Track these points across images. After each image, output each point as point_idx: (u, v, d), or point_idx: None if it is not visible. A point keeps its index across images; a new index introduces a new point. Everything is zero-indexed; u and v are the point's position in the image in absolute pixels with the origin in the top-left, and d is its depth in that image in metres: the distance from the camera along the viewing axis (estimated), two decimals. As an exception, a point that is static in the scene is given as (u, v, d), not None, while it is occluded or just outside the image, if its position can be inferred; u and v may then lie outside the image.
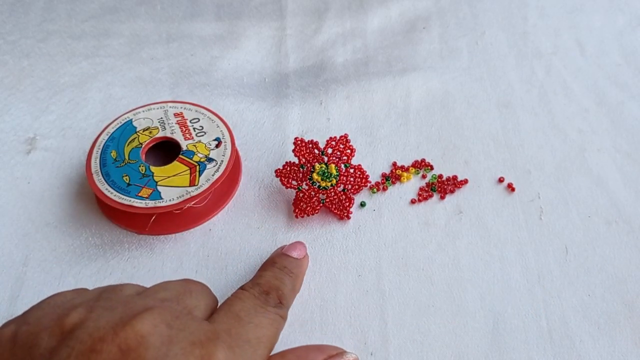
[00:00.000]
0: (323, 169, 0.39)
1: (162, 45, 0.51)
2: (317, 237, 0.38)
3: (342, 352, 0.28)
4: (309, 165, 0.40)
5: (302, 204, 0.38)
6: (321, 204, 0.39)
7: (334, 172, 0.39)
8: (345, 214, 0.39)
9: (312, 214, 0.38)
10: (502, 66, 0.49)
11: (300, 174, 0.40)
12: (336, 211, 0.39)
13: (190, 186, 0.37)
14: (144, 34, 0.52)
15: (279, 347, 0.28)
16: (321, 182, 0.39)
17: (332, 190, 0.39)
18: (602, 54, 0.50)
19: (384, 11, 0.53)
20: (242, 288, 0.29)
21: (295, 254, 0.34)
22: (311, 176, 0.39)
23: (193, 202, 0.37)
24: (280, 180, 0.40)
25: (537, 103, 0.46)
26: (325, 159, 0.40)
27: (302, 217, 0.38)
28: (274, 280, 0.30)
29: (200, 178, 0.38)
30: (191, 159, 0.39)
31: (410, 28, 0.52)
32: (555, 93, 0.47)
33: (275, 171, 0.40)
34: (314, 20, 0.53)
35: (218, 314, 0.25)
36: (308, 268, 0.37)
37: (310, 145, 0.40)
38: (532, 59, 0.49)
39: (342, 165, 0.40)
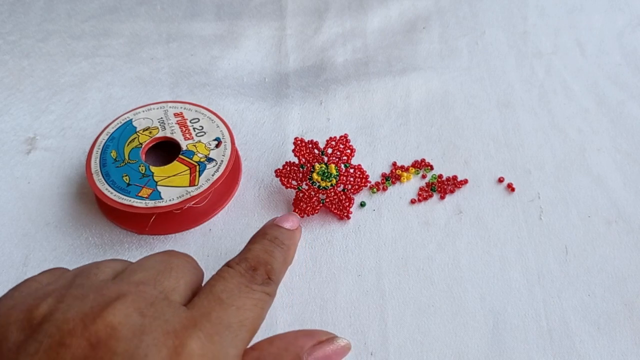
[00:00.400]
0: (323, 169, 0.39)
1: (162, 45, 0.51)
2: (317, 237, 0.38)
3: (332, 338, 0.26)
4: (309, 165, 0.40)
5: (302, 204, 0.38)
6: (321, 204, 0.39)
7: (334, 172, 0.39)
8: (345, 214, 0.39)
9: (312, 214, 0.38)
10: (502, 66, 0.49)
11: (300, 174, 0.40)
12: (336, 211, 0.39)
13: (190, 186, 0.37)
14: (144, 34, 0.52)
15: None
16: (321, 182, 0.39)
17: (332, 190, 0.39)
18: (602, 54, 0.50)
19: (384, 11, 0.53)
20: (227, 264, 0.27)
21: (287, 224, 0.32)
22: (311, 176, 0.39)
23: (193, 202, 0.37)
24: (280, 180, 0.40)
25: (537, 103, 0.46)
26: (325, 159, 0.40)
27: (302, 217, 0.38)
28: (263, 254, 0.28)
29: (200, 178, 0.38)
30: (191, 159, 0.39)
31: (410, 28, 0.52)
32: (555, 93, 0.47)
33: (275, 171, 0.40)
34: (314, 20, 0.53)
35: (199, 297, 0.24)
36: (308, 268, 0.37)
37: (310, 145, 0.40)
38: (532, 59, 0.49)
39: (342, 165, 0.40)
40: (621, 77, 0.48)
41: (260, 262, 0.27)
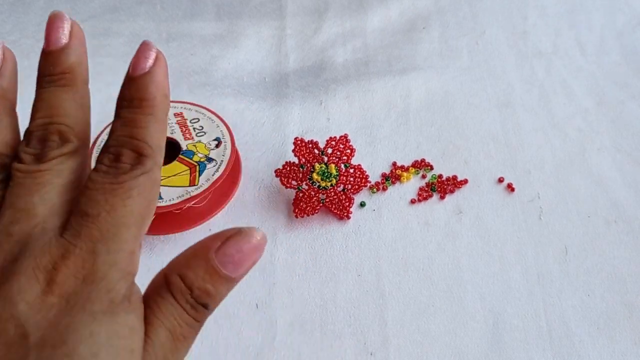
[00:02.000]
0: (323, 169, 0.39)
1: (162, 45, 0.51)
2: (317, 237, 0.38)
3: (241, 230, 0.23)
4: (308, 165, 0.40)
5: (302, 204, 0.38)
6: (321, 204, 0.39)
7: (334, 172, 0.39)
8: (345, 214, 0.39)
9: (312, 214, 0.38)
10: (502, 66, 0.49)
11: (300, 174, 0.40)
12: (336, 211, 0.39)
13: (190, 186, 0.37)
14: (144, 34, 0.52)
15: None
16: (321, 182, 0.39)
17: (332, 190, 0.39)
18: (602, 54, 0.50)
19: (384, 11, 0.53)
20: (94, 168, 0.21)
21: (142, 65, 0.22)
22: (311, 176, 0.39)
23: (193, 202, 0.37)
24: (280, 180, 0.40)
25: (537, 103, 0.46)
26: (325, 159, 0.40)
27: (302, 217, 0.38)
28: (124, 130, 0.22)
29: (200, 178, 0.38)
30: (191, 158, 0.39)
31: (410, 28, 0.52)
32: (555, 92, 0.47)
33: (275, 171, 0.40)
34: (314, 20, 0.53)
35: (69, 220, 0.20)
36: (308, 268, 0.37)
37: (310, 145, 0.40)
38: (532, 59, 0.49)
39: (342, 165, 0.40)
40: (621, 77, 0.48)
41: (122, 144, 0.22)
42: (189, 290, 0.22)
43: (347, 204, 0.39)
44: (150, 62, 0.22)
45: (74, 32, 0.24)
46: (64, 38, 0.24)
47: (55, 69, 0.23)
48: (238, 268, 0.22)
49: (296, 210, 0.38)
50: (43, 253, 0.20)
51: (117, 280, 0.20)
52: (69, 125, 0.22)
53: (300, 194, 0.39)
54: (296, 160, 0.40)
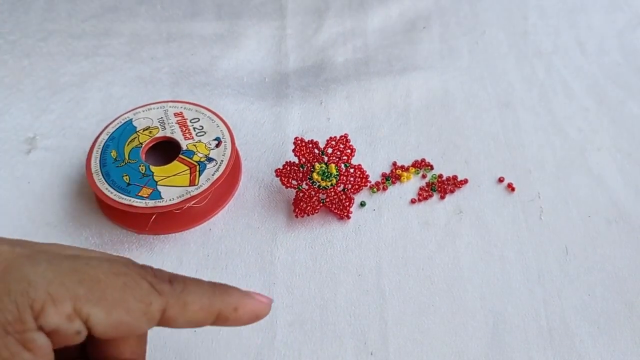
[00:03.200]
0: (323, 168, 0.39)
1: (162, 45, 0.51)
2: (317, 237, 0.38)
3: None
4: (309, 165, 0.40)
5: (302, 203, 0.38)
6: (321, 204, 0.39)
7: (334, 171, 0.39)
8: (345, 214, 0.39)
9: (312, 214, 0.38)
10: (502, 65, 0.49)
11: (300, 174, 0.40)
12: (336, 211, 0.39)
13: (190, 186, 0.37)
14: (144, 34, 0.52)
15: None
16: (321, 181, 0.39)
17: (332, 190, 0.39)
18: (603, 53, 0.50)
19: (384, 10, 0.53)
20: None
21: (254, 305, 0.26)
22: (311, 176, 0.39)
23: (193, 202, 0.37)
24: (280, 180, 0.40)
25: (537, 102, 0.46)
26: (325, 158, 0.40)
27: (302, 216, 0.38)
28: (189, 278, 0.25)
29: (200, 178, 0.38)
30: (191, 158, 0.39)
31: (410, 27, 0.52)
32: (555, 92, 0.47)
33: (276, 171, 0.40)
34: (314, 19, 0.53)
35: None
36: (308, 268, 0.37)
37: (310, 145, 0.40)
38: (532, 58, 0.49)
39: (342, 165, 0.40)
40: (621, 77, 0.48)
41: (172, 275, 0.24)
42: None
43: (347, 203, 0.39)
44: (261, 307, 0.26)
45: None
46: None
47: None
48: None
49: (296, 210, 0.38)
50: None
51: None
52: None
53: (301, 194, 0.39)
54: (296, 160, 0.40)
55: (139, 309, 0.22)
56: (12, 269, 0.22)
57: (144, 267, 0.24)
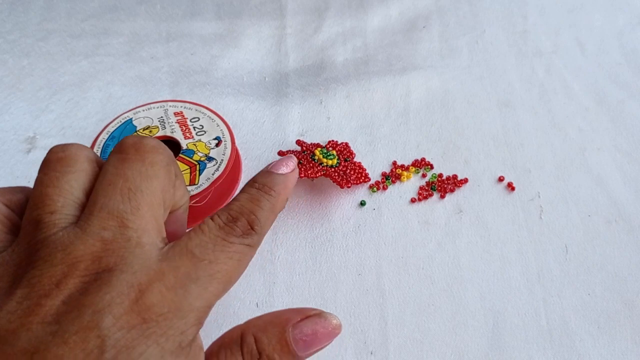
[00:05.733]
0: (324, 151, 0.39)
1: (162, 44, 0.51)
2: (317, 236, 0.38)
3: (321, 313, 0.25)
4: (309, 152, 0.40)
5: (303, 167, 0.38)
6: (322, 171, 0.38)
7: (335, 155, 0.40)
8: (345, 182, 0.38)
9: (313, 178, 0.38)
10: (502, 65, 0.49)
11: (302, 158, 0.40)
12: (337, 178, 0.38)
13: (190, 185, 0.37)
14: (144, 33, 0.52)
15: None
16: (323, 159, 0.39)
17: (334, 169, 0.39)
18: (603, 53, 0.50)
19: (384, 10, 0.53)
20: (210, 217, 0.25)
21: (281, 169, 0.28)
22: (313, 154, 0.39)
23: (193, 201, 0.37)
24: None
25: (537, 102, 0.46)
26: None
27: (302, 177, 0.38)
28: (247, 203, 0.26)
29: (200, 177, 0.38)
30: (191, 158, 0.39)
31: (410, 27, 0.52)
32: (555, 92, 0.47)
33: (279, 152, 0.40)
34: (314, 19, 0.53)
35: (173, 249, 0.23)
36: (308, 267, 0.37)
37: (312, 147, 0.41)
38: (532, 58, 0.49)
39: (343, 160, 0.40)
40: (621, 76, 0.48)
41: (242, 212, 0.25)
42: (259, 354, 0.23)
43: (352, 174, 0.39)
44: (288, 169, 0.28)
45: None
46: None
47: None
48: (307, 348, 0.24)
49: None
50: (142, 271, 0.21)
51: (190, 325, 0.21)
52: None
53: (303, 160, 0.39)
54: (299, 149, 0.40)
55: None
56: None
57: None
